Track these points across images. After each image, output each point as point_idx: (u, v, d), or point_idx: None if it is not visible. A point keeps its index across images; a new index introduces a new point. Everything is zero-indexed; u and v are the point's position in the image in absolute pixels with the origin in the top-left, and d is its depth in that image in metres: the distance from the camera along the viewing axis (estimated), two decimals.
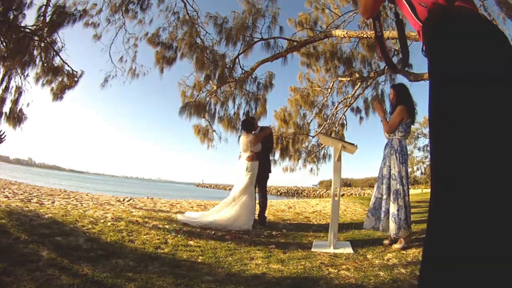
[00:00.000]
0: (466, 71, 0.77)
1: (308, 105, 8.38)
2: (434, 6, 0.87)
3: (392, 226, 2.80)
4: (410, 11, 0.95)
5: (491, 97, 0.74)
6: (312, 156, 8.77)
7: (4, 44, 5.02)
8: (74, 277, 1.64)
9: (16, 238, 2.19)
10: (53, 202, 4.13)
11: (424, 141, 18.88)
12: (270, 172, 4.40)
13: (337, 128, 8.29)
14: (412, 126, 3.19)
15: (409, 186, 2.97)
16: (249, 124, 4.22)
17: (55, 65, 5.96)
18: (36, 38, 5.43)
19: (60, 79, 6.14)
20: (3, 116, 5.70)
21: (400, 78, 6.76)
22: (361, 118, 8.40)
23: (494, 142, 0.72)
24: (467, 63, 0.77)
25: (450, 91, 0.77)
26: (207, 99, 7.11)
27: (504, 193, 0.68)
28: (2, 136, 2.64)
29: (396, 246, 2.81)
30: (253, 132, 4.19)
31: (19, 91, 5.80)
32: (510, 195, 0.69)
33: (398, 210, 2.78)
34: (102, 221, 3.17)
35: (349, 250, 2.74)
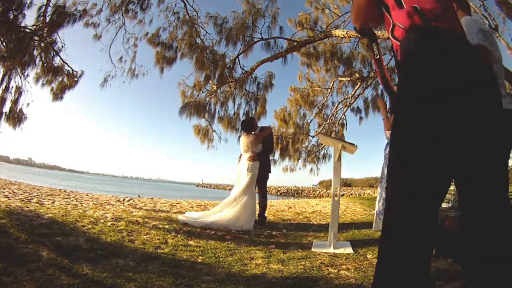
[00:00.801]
0: (439, 88, 0.82)
1: (308, 105, 8.39)
2: (411, 27, 0.91)
3: None
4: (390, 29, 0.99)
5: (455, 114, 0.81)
6: (312, 156, 8.78)
7: (4, 44, 5.03)
8: (74, 277, 1.64)
9: (16, 238, 2.19)
10: (53, 202, 4.13)
11: None
12: (270, 172, 4.40)
13: (337, 128, 8.30)
14: None
15: None
16: (249, 125, 4.22)
17: (55, 65, 5.97)
18: (36, 38, 5.43)
19: (60, 79, 6.15)
20: (3, 116, 5.70)
21: None
22: (361, 118, 8.43)
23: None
24: (441, 79, 0.82)
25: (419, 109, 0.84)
26: (207, 99, 7.11)
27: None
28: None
29: None
30: (253, 133, 4.19)
31: (19, 91, 5.81)
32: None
33: None
34: (102, 221, 3.17)
35: (349, 250, 2.73)
